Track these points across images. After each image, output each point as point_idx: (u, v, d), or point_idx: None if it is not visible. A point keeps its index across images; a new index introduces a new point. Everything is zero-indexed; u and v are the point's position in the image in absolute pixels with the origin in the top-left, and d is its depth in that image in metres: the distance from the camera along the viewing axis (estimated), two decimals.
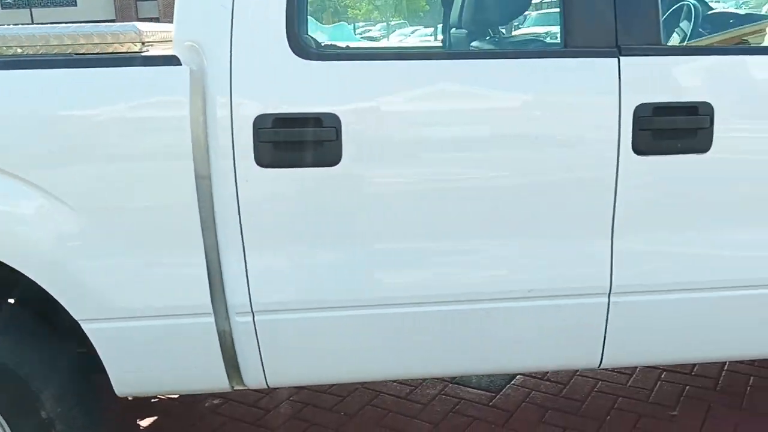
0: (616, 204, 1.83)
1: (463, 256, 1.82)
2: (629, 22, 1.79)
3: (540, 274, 1.87)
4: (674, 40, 3.26)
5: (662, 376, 2.88)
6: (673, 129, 1.80)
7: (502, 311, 1.87)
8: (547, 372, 2.90)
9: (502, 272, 1.85)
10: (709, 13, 3.33)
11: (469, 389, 2.82)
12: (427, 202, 1.77)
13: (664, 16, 3.55)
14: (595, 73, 1.79)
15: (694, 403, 2.69)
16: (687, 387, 2.79)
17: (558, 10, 1.84)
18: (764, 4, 4.32)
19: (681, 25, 3.25)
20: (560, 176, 1.81)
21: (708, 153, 1.81)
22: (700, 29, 3.20)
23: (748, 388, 2.77)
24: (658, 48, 1.80)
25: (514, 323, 1.89)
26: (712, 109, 1.79)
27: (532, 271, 1.86)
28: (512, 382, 2.86)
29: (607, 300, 1.89)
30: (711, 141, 1.80)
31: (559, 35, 1.84)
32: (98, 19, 27.22)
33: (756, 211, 1.87)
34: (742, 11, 3.26)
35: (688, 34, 3.14)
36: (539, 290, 1.86)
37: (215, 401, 2.78)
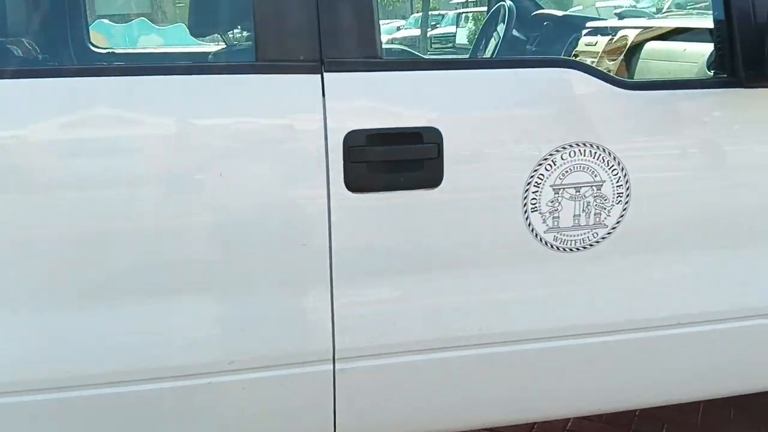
0: (333, 253, 1.49)
1: (132, 323, 1.45)
2: (337, 29, 1.45)
3: (242, 341, 1.51)
4: (491, 45, 3.00)
5: None
6: (392, 161, 1.48)
7: (196, 390, 1.50)
8: None
9: (189, 343, 1.49)
10: (533, 14, 3.09)
11: None
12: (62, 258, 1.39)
13: (486, 18, 3.31)
14: (292, 92, 1.44)
15: None
16: None
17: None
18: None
19: (497, 28, 2.99)
20: (259, 220, 1.46)
21: (438, 188, 1.49)
22: (516, 32, 2.95)
23: None
24: (372, 62, 1.47)
25: (214, 403, 1.53)
26: (441, 135, 1.48)
27: (231, 338, 1.51)
28: None
29: (332, 367, 1.55)
30: (441, 174, 1.49)
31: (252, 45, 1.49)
32: None
33: (497, 254, 1.58)
34: (560, 12, 3.02)
35: (502, 37, 2.88)
36: (243, 361, 1.51)
37: None
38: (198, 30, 2.14)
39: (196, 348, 1.47)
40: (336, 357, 1.54)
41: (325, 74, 1.44)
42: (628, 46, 2.34)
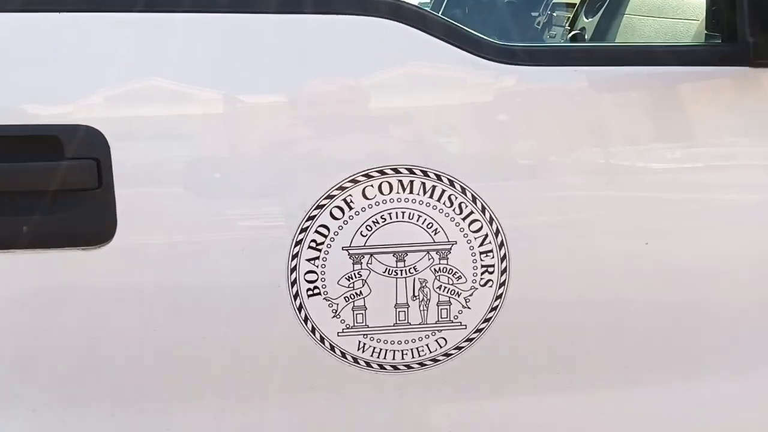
0: None
1: None
2: None
3: None
4: None
5: None
6: (9, 192, 0.75)
7: None
8: None
9: None
10: None
11: None
12: None
13: None
14: None
15: None
16: None
17: None
18: None
19: None
20: None
21: (107, 247, 0.76)
22: None
23: None
24: None
25: None
26: (105, 143, 0.73)
27: None
28: None
29: None
30: (113, 219, 0.75)
31: None
32: None
33: (234, 380, 0.83)
34: None
35: None
36: None
37: None
38: None
39: None
40: None
41: None
42: None
